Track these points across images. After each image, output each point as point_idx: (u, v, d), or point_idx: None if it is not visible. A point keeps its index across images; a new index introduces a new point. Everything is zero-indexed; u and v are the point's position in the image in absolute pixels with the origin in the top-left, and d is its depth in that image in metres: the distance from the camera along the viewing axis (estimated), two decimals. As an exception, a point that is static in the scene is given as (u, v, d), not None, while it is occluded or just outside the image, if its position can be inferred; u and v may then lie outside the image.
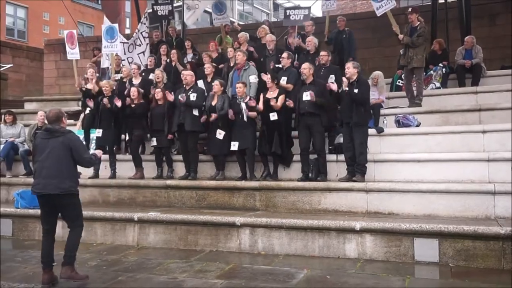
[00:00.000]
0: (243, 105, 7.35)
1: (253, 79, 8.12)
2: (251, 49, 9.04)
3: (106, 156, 7.95)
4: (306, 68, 7.14)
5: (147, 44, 10.90)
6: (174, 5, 12.61)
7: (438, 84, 9.38)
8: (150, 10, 11.74)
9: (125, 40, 10.96)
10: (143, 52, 10.83)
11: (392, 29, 8.55)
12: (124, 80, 8.98)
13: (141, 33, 10.92)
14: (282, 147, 7.26)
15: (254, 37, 10.10)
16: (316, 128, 6.98)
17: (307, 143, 7.08)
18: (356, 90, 6.60)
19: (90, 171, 7.95)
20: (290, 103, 7.13)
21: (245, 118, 7.33)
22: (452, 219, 5.80)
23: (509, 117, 7.14)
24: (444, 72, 9.50)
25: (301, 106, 7.05)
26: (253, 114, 7.38)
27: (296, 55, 8.98)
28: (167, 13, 11.88)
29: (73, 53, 10.53)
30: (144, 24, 11.07)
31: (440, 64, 9.58)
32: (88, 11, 31.69)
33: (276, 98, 7.32)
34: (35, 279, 4.96)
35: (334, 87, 6.86)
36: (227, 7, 11.32)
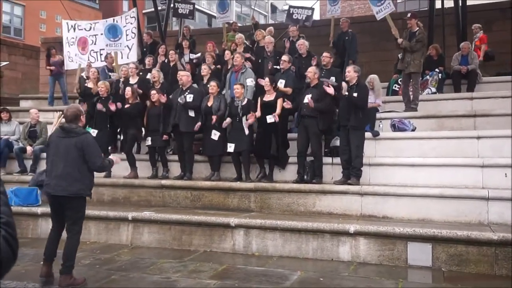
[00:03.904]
0: (244, 120, 7.38)
1: (250, 82, 8.12)
2: (248, 55, 9.02)
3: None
4: (311, 72, 7.17)
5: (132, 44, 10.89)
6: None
7: (433, 89, 9.43)
8: (148, 10, 11.76)
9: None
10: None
11: (391, 33, 8.58)
12: (121, 80, 8.94)
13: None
14: (278, 149, 7.27)
15: (251, 40, 10.11)
16: (312, 129, 6.98)
17: (304, 145, 7.09)
18: (355, 94, 6.62)
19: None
20: (287, 104, 7.13)
21: (246, 132, 7.33)
22: (445, 224, 5.83)
23: (503, 123, 7.20)
24: (440, 77, 9.56)
25: (302, 108, 7.07)
26: (251, 121, 7.36)
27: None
28: (187, 12, 11.94)
29: (82, 58, 10.54)
30: (131, 24, 10.95)
31: (436, 70, 9.63)
32: (85, 10, 31.65)
33: (274, 101, 7.34)
34: (27, 277, 4.93)
35: (330, 90, 6.82)
36: (229, 5, 11.36)
